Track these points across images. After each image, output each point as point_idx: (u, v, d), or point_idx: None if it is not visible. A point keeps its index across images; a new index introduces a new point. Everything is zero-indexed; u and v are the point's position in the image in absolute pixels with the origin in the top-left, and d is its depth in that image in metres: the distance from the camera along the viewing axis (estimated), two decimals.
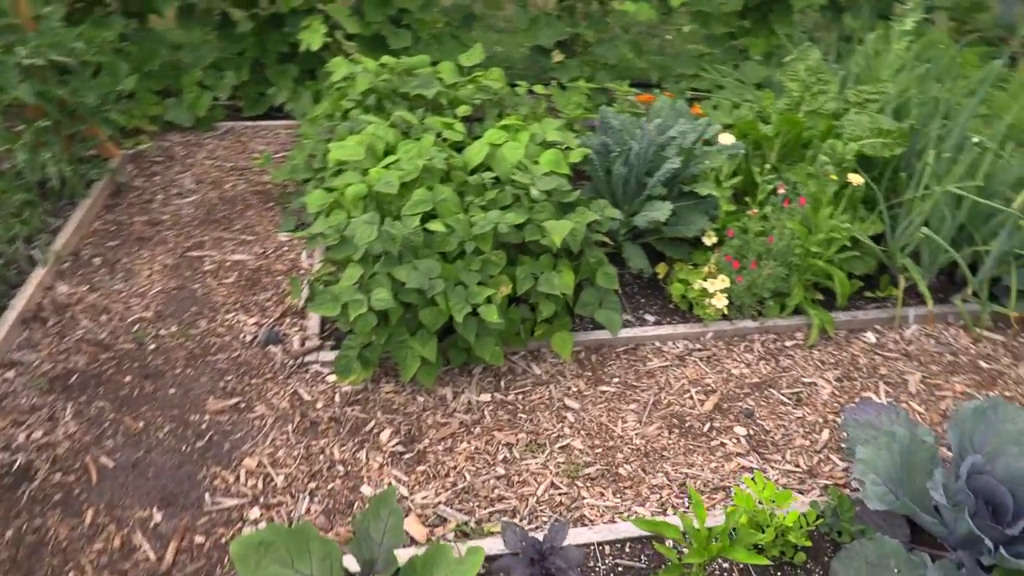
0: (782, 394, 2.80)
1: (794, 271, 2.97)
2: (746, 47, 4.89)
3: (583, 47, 4.65)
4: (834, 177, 2.95)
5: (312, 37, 4.07)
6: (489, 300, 2.48)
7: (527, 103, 3.80)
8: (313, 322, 2.98)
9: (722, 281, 2.91)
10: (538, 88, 3.95)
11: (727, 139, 3.15)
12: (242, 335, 2.94)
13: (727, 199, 3.03)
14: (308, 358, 2.81)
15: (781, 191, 2.98)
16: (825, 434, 2.64)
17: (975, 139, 2.98)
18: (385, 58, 3.57)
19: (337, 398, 2.67)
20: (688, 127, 3.17)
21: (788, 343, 3.05)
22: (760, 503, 2.00)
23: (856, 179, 2.81)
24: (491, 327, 2.52)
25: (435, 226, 2.54)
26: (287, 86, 4.51)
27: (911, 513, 2.04)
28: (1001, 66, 3.66)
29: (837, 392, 2.82)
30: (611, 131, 3.25)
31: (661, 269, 3.20)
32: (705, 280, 2.98)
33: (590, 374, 2.83)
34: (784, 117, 3.14)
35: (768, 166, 3.22)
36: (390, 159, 2.90)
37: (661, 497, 2.38)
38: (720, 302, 2.88)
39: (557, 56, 4.54)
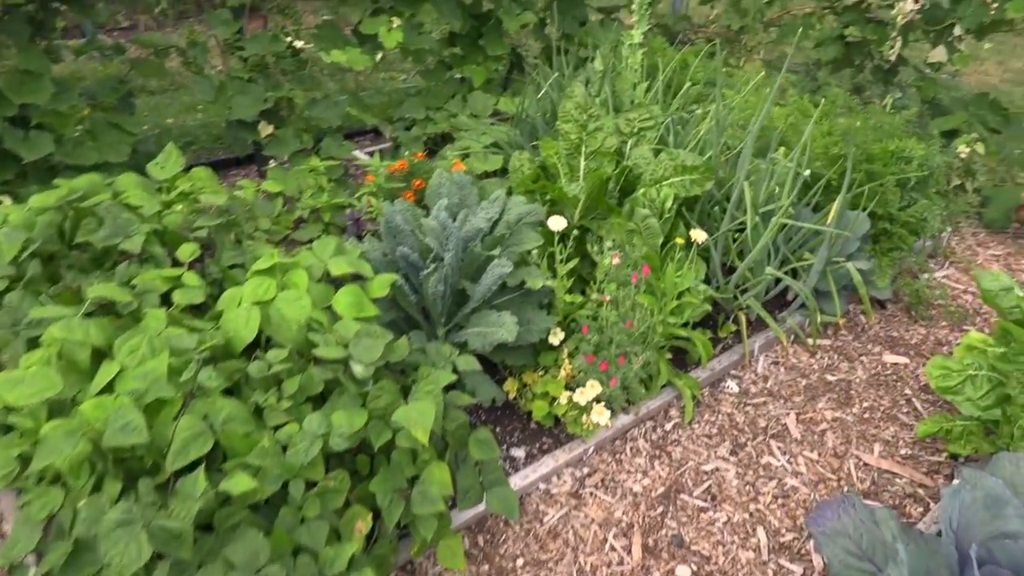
0: (695, 498, 2.41)
1: (653, 349, 2.59)
2: (468, 76, 4.42)
3: (295, 112, 3.77)
4: (680, 240, 2.60)
5: None
6: (351, 563, 1.66)
7: (264, 212, 2.88)
8: None
9: (593, 388, 2.41)
10: (245, 184, 3.03)
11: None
12: None
13: (564, 287, 2.51)
14: None
15: (616, 261, 2.55)
16: (760, 534, 2.30)
17: (778, 158, 2.85)
18: (36, 198, 2.38)
19: None
20: (494, 209, 2.58)
21: (667, 425, 2.67)
22: None
23: (699, 236, 2.48)
24: None
25: (236, 484, 1.63)
26: None
27: None
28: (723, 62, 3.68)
29: (740, 471, 2.51)
30: (400, 234, 2.53)
31: (511, 387, 2.59)
32: (569, 389, 2.46)
33: (487, 567, 2.14)
34: (594, 174, 2.71)
35: (575, 232, 2.77)
36: (107, 371, 1.87)
37: None
38: (602, 416, 2.38)
39: (265, 128, 3.62)
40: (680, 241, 2.49)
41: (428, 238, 2.50)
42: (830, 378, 2.98)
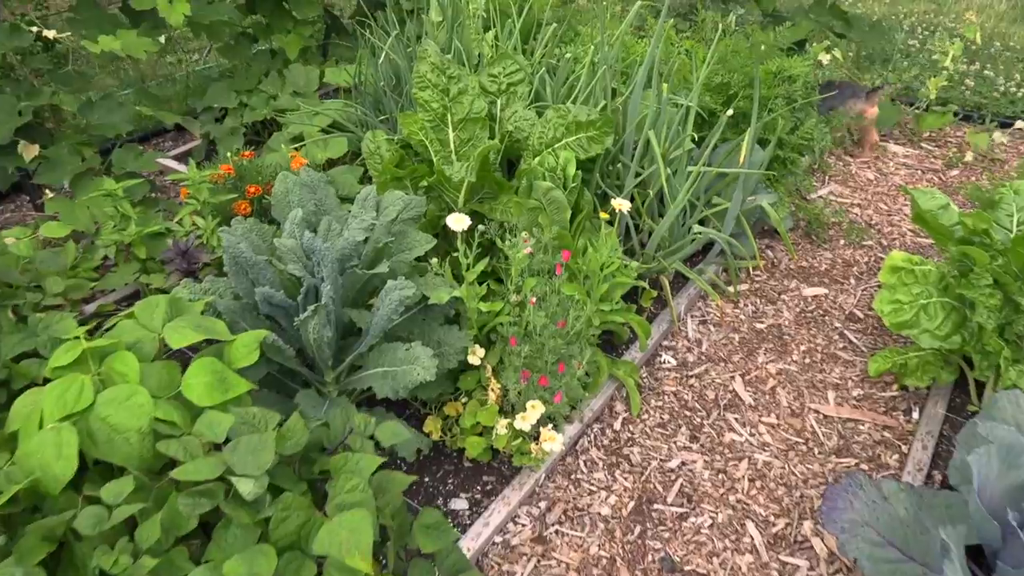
0: (671, 505, 2.08)
1: (591, 344, 2.20)
2: (279, 48, 3.71)
3: (65, 122, 2.92)
4: (604, 215, 2.19)
5: None
6: None
7: (51, 267, 2.14)
8: None
9: (535, 409, 1.98)
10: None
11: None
12: None
13: (476, 295, 2.04)
14: None
15: (527, 248, 2.11)
16: (751, 530, 2.02)
17: (682, 101, 2.50)
18: None
19: None
20: (369, 213, 2.03)
21: (616, 424, 2.31)
22: None
23: (622, 205, 2.08)
24: None
25: None
26: None
27: None
28: None
29: (707, 458, 2.22)
30: (252, 268, 1.92)
31: (433, 427, 2.10)
32: (504, 415, 2.02)
33: None
34: (480, 149, 2.22)
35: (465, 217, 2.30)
36: None
37: None
38: (554, 442, 1.96)
39: (29, 150, 2.76)
40: (605, 216, 2.09)
41: (290, 265, 1.92)
42: (760, 326, 2.75)
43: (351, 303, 2.08)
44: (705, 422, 2.35)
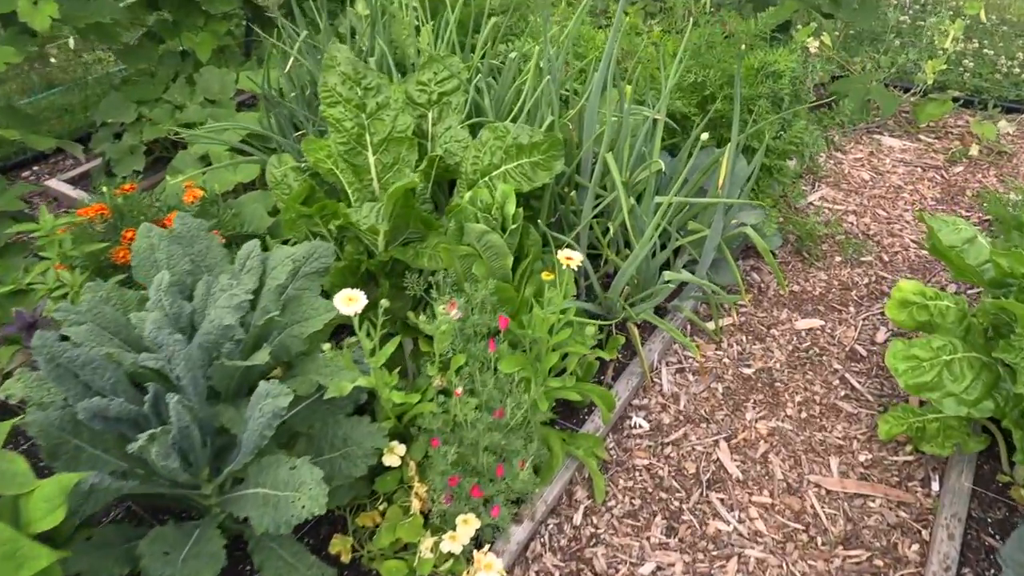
0: None
1: (539, 428, 1.77)
2: (191, 50, 3.21)
3: None
4: (548, 276, 1.75)
5: None
6: None
7: None
8: None
9: (467, 525, 1.56)
10: None
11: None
12: None
13: (388, 384, 1.60)
14: None
15: (455, 313, 1.67)
16: None
17: (648, 113, 2.05)
18: None
19: None
20: (248, 278, 1.59)
21: (576, 516, 1.89)
22: None
23: (572, 259, 1.63)
24: None
25: None
26: None
27: None
28: None
29: (688, 559, 1.81)
30: (85, 367, 1.47)
31: (342, 548, 1.67)
32: (430, 526, 1.60)
33: None
34: (395, 189, 1.77)
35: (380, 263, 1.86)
36: None
37: None
38: (491, 570, 1.54)
39: None
40: (548, 277, 1.64)
41: (143, 356, 1.47)
42: (747, 371, 2.34)
43: (231, 395, 1.64)
44: (684, 506, 1.94)
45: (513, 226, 1.82)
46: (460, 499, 1.60)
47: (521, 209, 1.83)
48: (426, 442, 1.69)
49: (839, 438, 2.12)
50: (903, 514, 1.91)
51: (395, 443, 1.66)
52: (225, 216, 2.35)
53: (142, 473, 1.52)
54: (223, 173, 2.69)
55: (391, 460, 1.65)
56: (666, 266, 2.40)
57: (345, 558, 1.66)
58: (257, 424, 1.37)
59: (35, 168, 3.36)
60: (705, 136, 2.06)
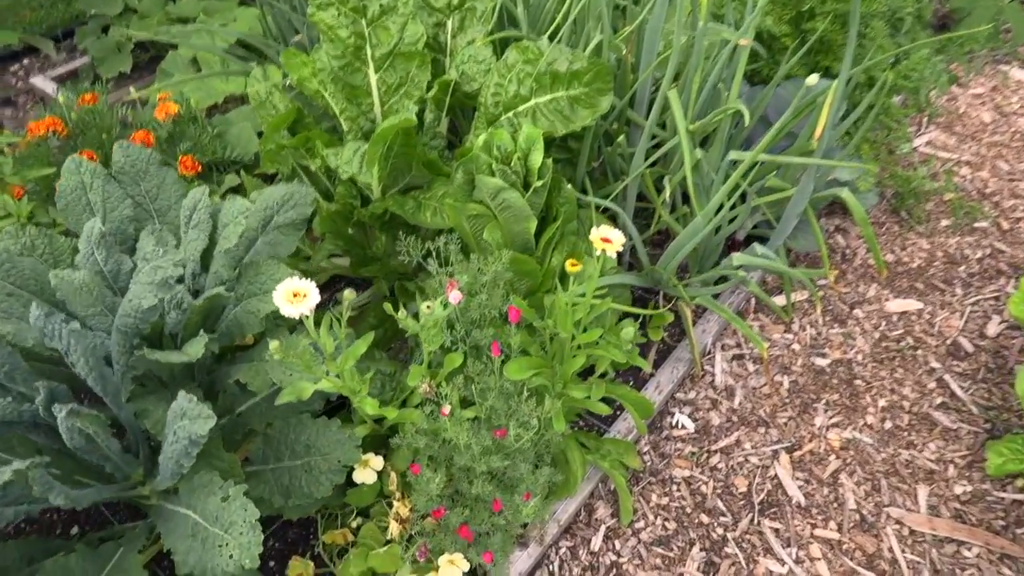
0: None
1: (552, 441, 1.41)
2: None
3: None
4: (573, 267, 1.34)
5: None
6: None
7: None
8: None
9: (453, 566, 1.24)
10: None
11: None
12: None
13: (358, 390, 1.24)
14: None
15: (453, 294, 1.29)
16: None
17: (728, 35, 1.56)
18: None
19: None
20: (168, 261, 1.22)
21: (595, 540, 1.56)
22: None
23: (611, 241, 1.20)
24: None
25: None
26: None
27: None
28: None
29: None
30: None
31: (300, 570, 1.37)
32: (416, 567, 1.28)
33: None
34: (384, 129, 1.36)
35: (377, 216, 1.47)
36: None
37: None
38: None
39: None
40: (574, 268, 1.22)
41: (46, 334, 1.14)
42: (821, 363, 1.92)
43: (178, 380, 1.31)
44: (730, 535, 1.58)
45: (539, 183, 1.40)
46: (446, 534, 1.26)
47: (550, 160, 1.40)
48: (412, 452, 1.35)
49: (931, 460, 1.71)
50: (1008, 572, 1.52)
51: (370, 456, 1.32)
52: (204, 138, 1.97)
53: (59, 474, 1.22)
54: (213, 82, 2.30)
55: (364, 476, 1.32)
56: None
57: None
58: (173, 451, 1.04)
59: (25, 62, 3.01)
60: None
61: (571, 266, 1.19)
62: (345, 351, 1.17)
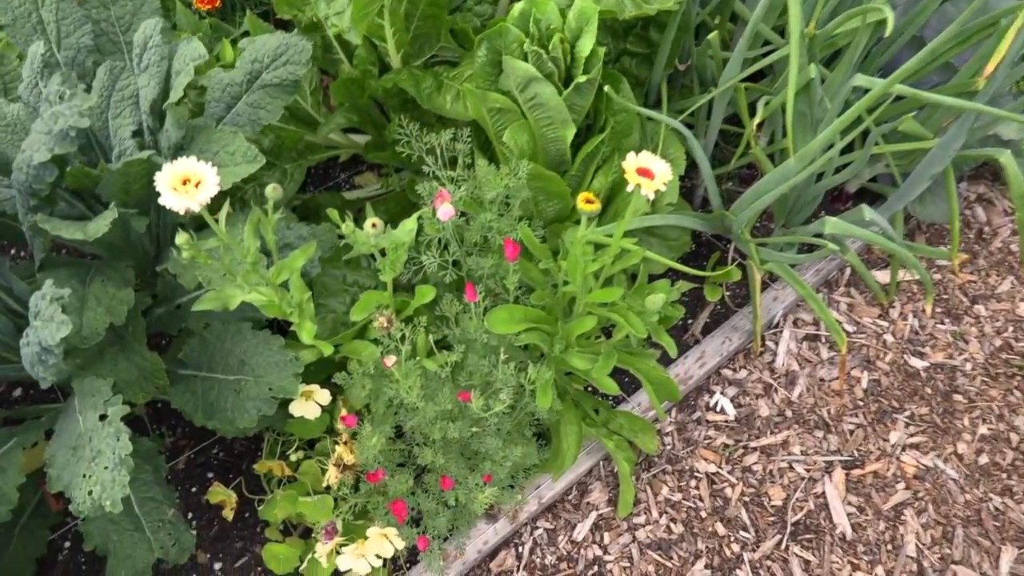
0: None
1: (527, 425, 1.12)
2: None
3: None
4: (588, 204, 1.00)
5: None
6: None
7: None
8: None
9: (379, 540, 1.00)
10: None
11: None
12: None
13: (306, 312, 0.97)
14: None
15: (442, 208, 0.99)
16: None
17: None
18: None
19: None
20: (80, 102, 0.96)
21: (581, 528, 1.30)
22: None
23: (651, 182, 0.85)
24: None
25: None
26: None
27: None
28: None
29: None
30: None
31: (221, 497, 1.17)
32: (346, 495, 1.06)
33: None
34: None
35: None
36: None
37: None
38: None
39: None
40: (588, 207, 0.87)
41: None
42: (917, 363, 1.54)
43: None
44: (747, 556, 1.29)
45: (583, 78, 1.04)
46: (379, 506, 1.03)
47: (603, 49, 1.03)
48: (366, 387, 1.10)
49: None
50: None
51: (314, 387, 1.08)
52: None
53: None
54: None
55: (304, 409, 1.08)
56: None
57: (229, 512, 1.17)
58: (25, 354, 0.82)
59: None
60: None
61: (585, 203, 0.86)
62: (279, 262, 0.91)
